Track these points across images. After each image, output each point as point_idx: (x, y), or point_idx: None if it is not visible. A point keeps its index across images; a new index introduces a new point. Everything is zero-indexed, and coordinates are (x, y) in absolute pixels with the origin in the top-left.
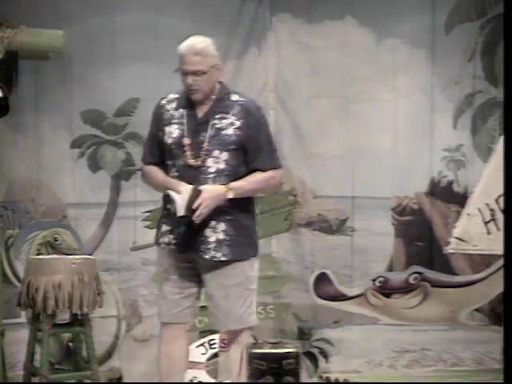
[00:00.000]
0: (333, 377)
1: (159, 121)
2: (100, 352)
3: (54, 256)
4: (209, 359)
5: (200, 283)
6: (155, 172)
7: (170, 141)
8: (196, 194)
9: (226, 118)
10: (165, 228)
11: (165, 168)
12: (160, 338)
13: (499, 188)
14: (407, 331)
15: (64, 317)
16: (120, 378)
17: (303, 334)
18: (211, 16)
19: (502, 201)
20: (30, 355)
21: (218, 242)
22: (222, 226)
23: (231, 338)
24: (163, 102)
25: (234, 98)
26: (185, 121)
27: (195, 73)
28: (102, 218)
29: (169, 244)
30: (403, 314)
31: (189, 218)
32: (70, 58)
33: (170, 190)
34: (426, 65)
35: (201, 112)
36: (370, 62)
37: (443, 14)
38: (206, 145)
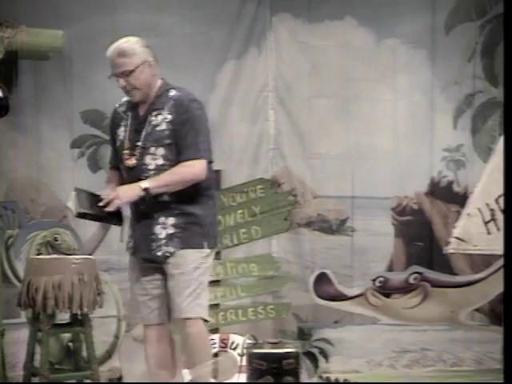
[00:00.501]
0: (333, 377)
1: (113, 125)
2: (100, 352)
3: (54, 256)
4: None
5: (165, 284)
6: (108, 178)
7: (118, 143)
8: (80, 192)
9: (161, 114)
10: (129, 233)
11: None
12: (144, 340)
13: (499, 188)
14: (407, 331)
15: (64, 317)
16: (120, 378)
17: (303, 334)
18: (211, 16)
19: (502, 201)
20: (30, 355)
21: (168, 236)
22: (171, 221)
23: (181, 328)
24: (116, 105)
25: (171, 93)
26: (129, 122)
27: (123, 73)
28: None
29: (130, 249)
30: (403, 314)
31: (84, 216)
32: (69, 57)
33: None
34: (425, 65)
35: (142, 111)
36: (369, 62)
37: (443, 14)
38: (140, 143)
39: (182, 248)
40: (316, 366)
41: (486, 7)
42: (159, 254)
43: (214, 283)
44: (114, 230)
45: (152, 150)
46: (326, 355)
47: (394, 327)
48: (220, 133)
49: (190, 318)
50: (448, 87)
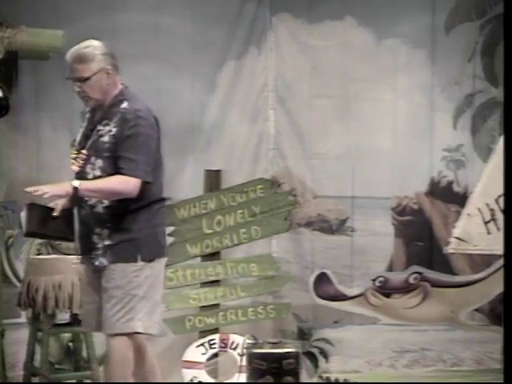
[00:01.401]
0: (333, 377)
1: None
2: (100, 352)
3: (54, 256)
4: (209, 359)
5: None
6: None
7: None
8: (30, 209)
9: (108, 125)
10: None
11: None
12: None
13: (499, 188)
14: (407, 331)
15: (64, 317)
16: None
17: (303, 334)
18: (211, 16)
19: (501, 201)
20: (30, 355)
21: (104, 248)
22: (105, 233)
23: (108, 342)
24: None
25: (123, 105)
26: (85, 124)
27: (79, 79)
28: None
29: (77, 252)
30: (403, 314)
31: (33, 235)
32: None
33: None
34: (425, 65)
35: (95, 118)
36: (369, 62)
37: (443, 14)
38: (85, 151)
39: (113, 262)
40: (316, 365)
41: (485, 7)
42: (96, 263)
43: (214, 283)
44: None
45: (92, 159)
46: (325, 355)
47: (394, 327)
48: (220, 133)
49: (116, 334)
50: (448, 87)
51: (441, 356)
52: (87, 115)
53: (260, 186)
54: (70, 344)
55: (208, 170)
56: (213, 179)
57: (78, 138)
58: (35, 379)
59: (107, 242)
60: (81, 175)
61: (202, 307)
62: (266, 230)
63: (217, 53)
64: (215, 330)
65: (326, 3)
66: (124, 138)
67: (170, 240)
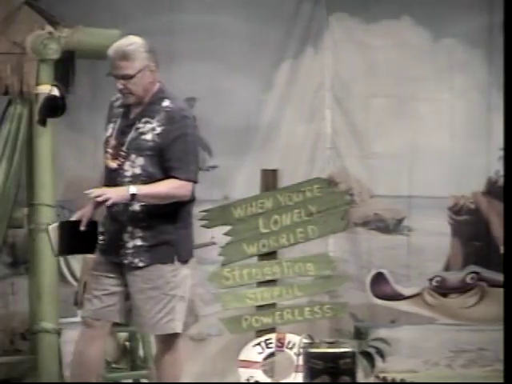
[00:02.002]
0: (389, 376)
1: (107, 118)
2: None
3: None
4: (265, 358)
5: (125, 284)
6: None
7: (104, 139)
8: (62, 228)
9: (150, 123)
10: (102, 229)
11: None
12: (78, 337)
13: None
14: (464, 331)
15: None
16: None
17: (360, 334)
18: (268, 15)
19: None
20: None
21: (136, 247)
22: (138, 232)
23: (159, 344)
24: (113, 98)
25: (165, 103)
26: (119, 119)
27: (123, 77)
28: None
29: (101, 248)
30: (460, 314)
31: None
32: None
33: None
34: (482, 64)
35: (133, 113)
36: (426, 61)
37: (500, 13)
38: (124, 147)
39: (150, 263)
40: (372, 365)
41: None
42: (126, 262)
43: (271, 282)
44: None
45: (132, 157)
46: (382, 355)
47: (451, 327)
48: (277, 132)
49: (163, 334)
50: None
51: (498, 356)
52: (120, 110)
53: (317, 186)
54: (127, 343)
55: (265, 170)
56: (269, 179)
57: (113, 133)
58: None
59: (139, 243)
60: (118, 172)
61: (259, 307)
62: (322, 230)
63: (273, 52)
64: (272, 330)
65: (383, 2)
66: (172, 139)
67: (226, 239)
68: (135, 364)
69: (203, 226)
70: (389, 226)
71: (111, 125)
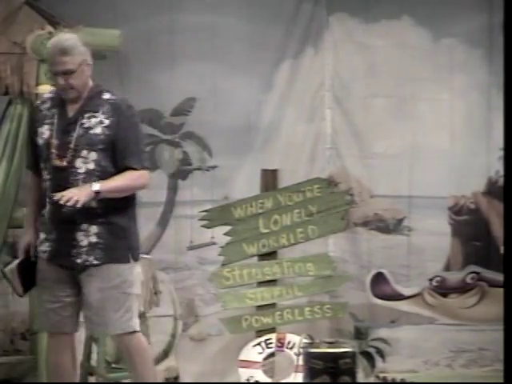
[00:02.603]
0: (389, 376)
1: (34, 122)
2: (157, 351)
3: None
4: (265, 358)
5: (79, 292)
6: (30, 190)
7: (41, 142)
8: (21, 269)
9: (95, 117)
10: (42, 236)
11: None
12: (47, 347)
13: None
14: (464, 331)
15: None
16: (177, 378)
17: (360, 334)
18: (268, 15)
19: None
20: (87, 354)
21: (91, 245)
22: (94, 229)
23: (119, 344)
24: (38, 102)
25: (106, 96)
26: (55, 120)
27: (65, 73)
28: (158, 217)
29: (44, 252)
30: (460, 314)
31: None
32: (126, 57)
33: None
34: (482, 64)
35: (72, 111)
36: (426, 61)
37: (500, 13)
38: (72, 145)
39: (107, 261)
40: (373, 365)
41: None
42: (79, 261)
43: (271, 282)
44: (171, 228)
45: (84, 153)
46: (382, 355)
47: (451, 327)
48: (277, 132)
49: (126, 333)
50: None
51: (498, 356)
52: (53, 111)
53: (317, 186)
54: None
55: (265, 170)
56: (269, 178)
57: (51, 134)
58: (92, 378)
59: (94, 240)
60: (69, 171)
61: (259, 307)
62: (322, 230)
63: (273, 52)
64: (272, 330)
65: (383, 3)
66: (123, 130)
67: (226, 239)
68: None
69: (203, 226)
70: (389, 226)
71: (46, 127)
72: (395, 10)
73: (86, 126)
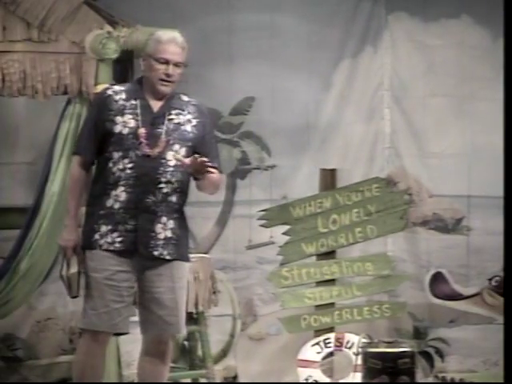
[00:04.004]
0: (448, 376)
1: (105, 111)
2: (215, 351)
3: None
4: (324, 358)
5: (135, 291)
6: (77, 182)
7: (125, 130)
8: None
9: (182, 115)
10: (104, 228)
11: (89, 169)
12: (82, 349)
13: None
14: None
15: None
16: (235, 377)
17: (419, 334)
18: (327, 15)
19: None
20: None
21: (166, 239)
22: (170, 224)
23: (159, 344)
24: (109, 92)
25: (185, 98)
26: (139, 111)
27: (176, 64)
28: (217, 216)
29: (112, 243)
30: None
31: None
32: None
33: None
34: None
35: (156, 106)
36: (486, 60)
37: None
38: (163, 137)
39: (177, 258)
40: (431, 365)
41: None
42: (156, 253)
43: (330, 282)
44: (230, 228)
45: (176, 147)
46: (441, 354)
47: None
48: (335, 131)
49: (167, 335)
50: None
51: None
52: (133, 103)
53: (376, 185)
54: (185, 342)
55: (323, 169)
56: (328, 178)
57: (137, 123)
58: None
59: (169, 234)
60: (159, 162)
61: (318, 306)
62: (381, 229)
63: (332, 51)
64: (330, 329)
65: (442, 1)
66: (208, 132)
67: (285, 239)
68: (194, 363)
69: (262, 226)
70: (448, 226)
71: (129, 116)
72: (454, 8)
73: (176, 121)
